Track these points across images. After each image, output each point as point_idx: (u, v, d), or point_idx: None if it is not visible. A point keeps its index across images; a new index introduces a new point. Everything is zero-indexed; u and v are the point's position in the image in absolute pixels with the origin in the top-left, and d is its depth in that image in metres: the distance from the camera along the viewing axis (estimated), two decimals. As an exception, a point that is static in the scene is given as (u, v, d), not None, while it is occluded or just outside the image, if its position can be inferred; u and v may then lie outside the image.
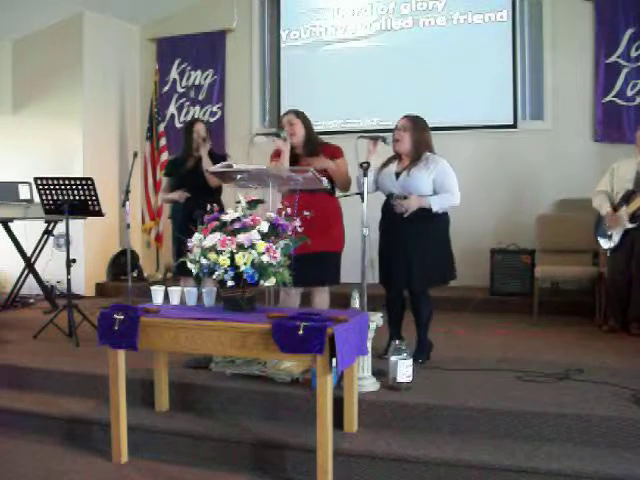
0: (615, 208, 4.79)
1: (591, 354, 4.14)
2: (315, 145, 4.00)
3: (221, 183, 4.36)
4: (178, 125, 7.53)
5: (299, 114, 4.03)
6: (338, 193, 4.06)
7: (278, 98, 7.31)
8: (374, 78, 6.86)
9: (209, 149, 4.54)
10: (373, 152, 3.83)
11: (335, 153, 4.00)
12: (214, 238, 2.98)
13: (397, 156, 3.93)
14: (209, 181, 4.39)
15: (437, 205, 3.77)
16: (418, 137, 3.85)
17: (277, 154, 4.01)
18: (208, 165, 4.34)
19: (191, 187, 4.50)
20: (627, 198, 4.71)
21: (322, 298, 3.97)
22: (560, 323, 5.18)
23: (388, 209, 3.87)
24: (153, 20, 7.73)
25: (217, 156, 4.53)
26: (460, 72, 6.57)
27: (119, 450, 3.17)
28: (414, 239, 3.77)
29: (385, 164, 3.94)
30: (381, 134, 3.91)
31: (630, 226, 4.69)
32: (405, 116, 3.94)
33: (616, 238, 4.76)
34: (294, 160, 3.96)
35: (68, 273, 4.75)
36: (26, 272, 6.00)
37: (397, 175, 3.85)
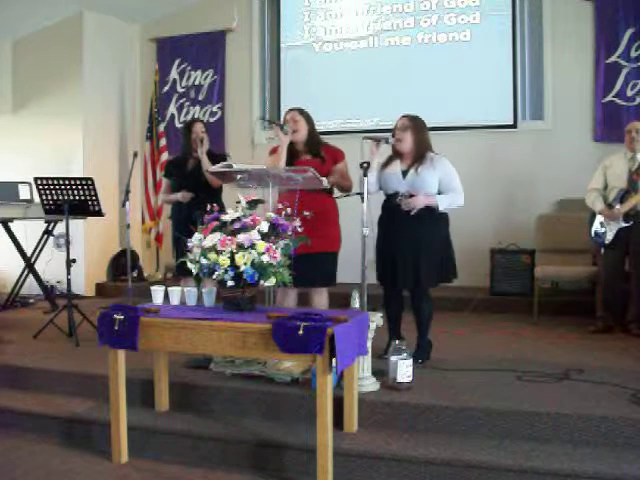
0: (609, 207, 4.80)
1: (591, 354, 4.14)
2: (317, 145, 4.00)
3: (222, 183, 4.36)
4: (178, 125, 7.53)
5: (303, 112, 4.04)
6: (338, 193, 4.07)
7: (278, 98, 7.31)
8: (374, 78, 6.86)
9: (208, 148, 4.54)
10: (376, 153, 3.84)
11: (336, 156, 4.00)
12: (214, 238, 2.98)
13: (397, 155, 3.93)
14: (210, 181, 4.39)
15: (444, 204, 3.79)
16: (419, 136, 3.87)
17: (275, 150, 4.02)
18: (207, 165, 4.35)
19: (193, 187, 4.49)
20: (621, 197, 4.73)
21: (321, 298, 3.96)
22: (560, 323, 5.18)
23: (390, 208, 3.88)
24: (153, 20, 7.73)
25: (217, 156, 4.53)
26: (460, 72, 6.57)
27: (119, 450, 3.17)
28: (419, 238, 3.77)
29: (386, 163, 3.95)
30: (383, 135, 3.92)
31: (624, 225, 4.72)
32: (404, 115, 3.94)
33: (610, 236, 4.78)
34: (293, 156, 3.96)
35: (68, 273, 4.75)
36: (26, 272, 6.00)
37: (404, 174, 3.86)
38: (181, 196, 4.53)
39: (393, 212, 3.84)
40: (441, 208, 3.79)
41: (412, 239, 3.78)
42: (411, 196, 3.76)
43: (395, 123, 3.94)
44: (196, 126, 4.56)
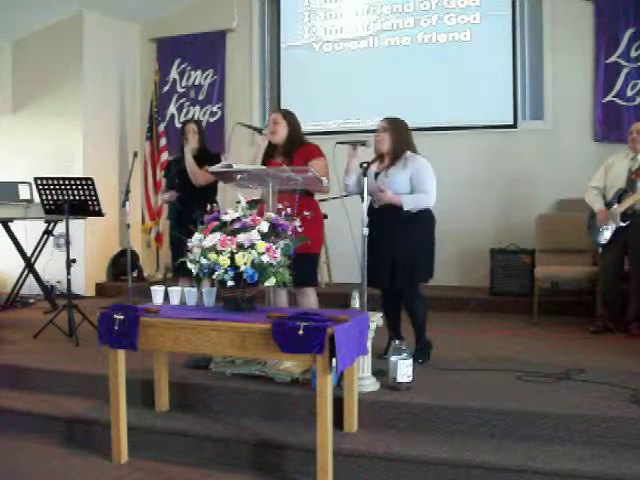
0: (607, 205, 4.81)
1: (591, 354, 4.14)
2: (292, 146, 3.93)
3: (206, 182, 4.39)
4: (178, 125, 7.51)
5: (287, 115, 4.00)
6: (321, 196, 4.06)
7: (278, 98, 7.31)
8: (374, 78, 6.86)
9: (203, 147, 4.57)
10: (354, 156, 3.88)
11: (311, 154, 3.92)
12: (214, 238, 2.98)
13: (380, 157, 3.96)
14: (192, 179, 4.42)
15: (408, 205, 3.79)
16: (397, 137, 3.90)
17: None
18: (189, 164, 4.42)
19: (181, 187, 4.53)
20: (619, 196, 4.74)
21: (309, 299, 3.91)
22: (560, 323, 5.18)
23: (371, 209, 3.90)
24: (153, 20, 7.73)
25: (211, 155, 4.55)
26: (460, 72, 6.56)
27: (119, 450, 3.17)
28: (395, 239, 3.78)
29: (369, 165, 3.95)
30: (360, 138, 3.95)
31: (622, 224, 4.72)
32: (385, 118, 3.99)
33: (608, 235, 4.78)
34: (269, 158, 3.97)
35: (68, 273, 4.75)
36: (26, 272, 6.00)
37: (377, 175, 3.89)
38: (168, 196, 4.60)
39: (372, 213, 3.86)
40: (405, 208, 3.78)
41: (387, 240, 3.79)
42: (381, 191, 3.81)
43: (377, 126, 3.98)
44: (186, 126, 4.61)
